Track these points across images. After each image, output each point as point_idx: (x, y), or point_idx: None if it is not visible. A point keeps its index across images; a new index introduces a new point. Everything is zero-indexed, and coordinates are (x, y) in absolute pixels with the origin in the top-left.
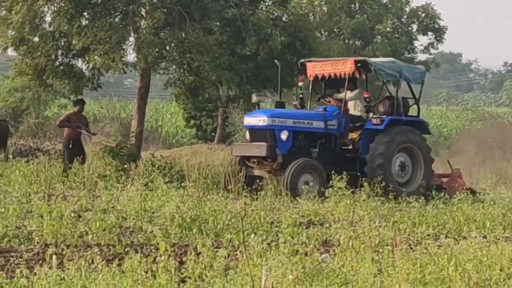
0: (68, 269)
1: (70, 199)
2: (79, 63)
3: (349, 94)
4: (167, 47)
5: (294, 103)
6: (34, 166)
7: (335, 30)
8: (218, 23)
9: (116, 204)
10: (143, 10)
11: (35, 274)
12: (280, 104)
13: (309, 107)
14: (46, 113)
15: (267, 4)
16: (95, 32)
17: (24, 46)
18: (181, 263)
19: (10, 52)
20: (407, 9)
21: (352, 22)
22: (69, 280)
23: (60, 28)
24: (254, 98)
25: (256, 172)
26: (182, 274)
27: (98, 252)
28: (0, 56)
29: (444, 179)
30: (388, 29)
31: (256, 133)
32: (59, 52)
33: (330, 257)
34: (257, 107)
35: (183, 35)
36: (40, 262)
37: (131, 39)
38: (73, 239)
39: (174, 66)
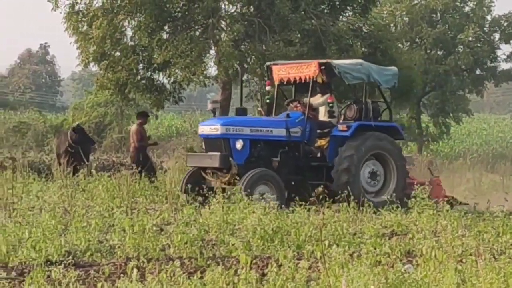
0: (149, 282)
1: (152, 212)
2: (160, 77)
3: (320, 99)
4: (248, 59)
5: (258, 109)
6: (117, 180)
7: (416, 40)
8: (298, 35)
9: (198, 217)
10: (223, 23)
11: (117, 287)
12: (241, 111)
13: (273, 113)
14: (129, 127)
15: (347, 14)
16: (175, 45)
17: (105, 61)
18: (263, 275)
19: (93, 67)
20: (489, 18)
21: (434, 32)
22: None
23: (141, 42)
24: (209, 106)
25: (213, 183)
26: (264, 286)
27: (179, 265)
28: (84, 72)
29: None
30: (469, 39)
31: (210, 142)
32: (140, 66)
33: (413, 267)
34: (212, 115)
35: (264, 47)
36: (122, 275)
37: (212, 52)
38: (155, 252)
39: (255, 78)
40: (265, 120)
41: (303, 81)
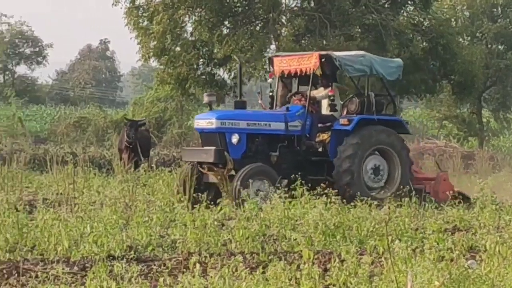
0: (212, 277)
1: (213, 208)
2: (221, 72)
3: (322, 92)
4: None
5: (259, 102)
6: (177, 175)
7: (477, 35)
8: (358, 29)
9: (259, 212)
10: (284, 17)
11: (179, 282)
12: (240, 104)
13: (274, 106)
14: (189, 123)
15: (408, 9)
16: (236, 40)
17: (166, 56)
18: (325, 270)
19: (153, 63)
20: None
21: (495, 26)
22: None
23: (202, 37)
24: (206, 99)
25: (210, 178)
26: (326, 281)
27: (241, 260)
28: (144, 67)
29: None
30: None
31: (206, 136)
32: (201, 61)
33: (477, 263)
34: (208, 108)
35: (324, 42)
36: (184, 270)
37: (272, 47)
38: (216, 247)
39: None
40: (263, 113)
41: (303, 73)
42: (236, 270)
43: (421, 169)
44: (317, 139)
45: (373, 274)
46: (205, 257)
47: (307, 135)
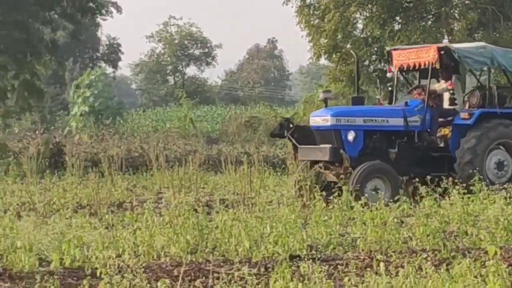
0: (396, 275)
1: (392, 205)
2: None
3: (443, 85)
4: None
5: (377, 97)
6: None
7: None
8: None
9: (438, 208)
10: (456, 11)
11: (364, 281)
12: (357, 100)
13: (394, 101)
14: None
15: None
16: (407, 36)
17: (338, 53)
18: (510, 266)
19: (324, 60)
20: None
21: None
22: (399, 286)
23: (373, 34)
24: (321, 96)
25: (329, 177)
26: None
27: (424, 257)
28: (312, 65)
29: None
30: None
31: (322, 134)
32: (372, 57)
33: None
34: (324, 105)
35: (497, 35)
36: (367, 269)
37: (444, 41)
38: (397, 245)
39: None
40: (380, 109)
41: (422, 66)
42: (420, 268)
43: None
44: (438, 134)
45: None
46: (387, 255)
47: (428, 130)
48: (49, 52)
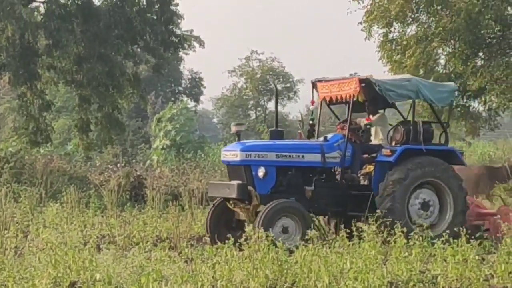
0: None
1: (473, 242)
2: (475, 104)
3: (373, 119)
4: None
5: (299, 131)
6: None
7: None
8: None
9: None
10: None
11: None
12: (275, 134)
13: (316, 136)
14: None
15: None
16: (491, 72)
17: None
18: None
19: None
20: None
21: None
22: None
23: (455, 70)
24: (233, 129)
25: (240, 215)
26: None
27: None
28: None
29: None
30: None
31: (232, 169)
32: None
33: None
34: (236, 138)
35: None
36: None
37: None
38: (478, 282)
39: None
40: (296, 144)
41: (344, 100)
42: None
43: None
44: (362, 171)
45: None
46: None
47: (348, 167)
48: (131, 86)
